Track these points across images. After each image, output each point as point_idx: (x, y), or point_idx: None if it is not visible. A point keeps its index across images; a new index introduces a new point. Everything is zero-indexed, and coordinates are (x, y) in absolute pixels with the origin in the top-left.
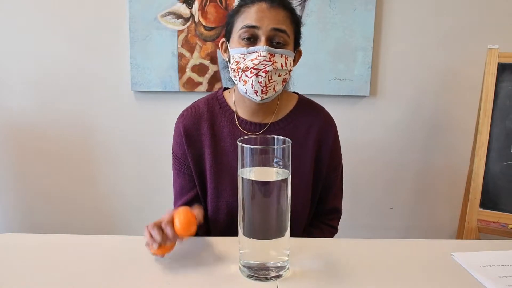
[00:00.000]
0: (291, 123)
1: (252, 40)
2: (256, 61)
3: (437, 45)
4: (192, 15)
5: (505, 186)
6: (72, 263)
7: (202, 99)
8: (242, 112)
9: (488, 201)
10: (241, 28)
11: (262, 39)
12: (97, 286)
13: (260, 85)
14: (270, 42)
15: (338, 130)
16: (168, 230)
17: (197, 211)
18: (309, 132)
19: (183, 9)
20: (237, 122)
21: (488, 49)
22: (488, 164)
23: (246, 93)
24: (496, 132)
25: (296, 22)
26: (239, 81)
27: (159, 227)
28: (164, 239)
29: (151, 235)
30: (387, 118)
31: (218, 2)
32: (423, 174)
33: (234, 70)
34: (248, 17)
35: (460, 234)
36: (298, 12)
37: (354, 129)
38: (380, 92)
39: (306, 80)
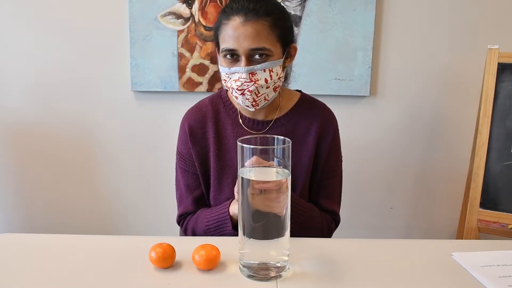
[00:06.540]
0: (292, 119)
1: (235, 57)
2: (238, 83)
3: (437, 45)
4: (192, 15)
5: (505, 186)
6: (72, 263)
7: (206, 98)
8: (245, 110)
9: (488, 201)
10: (222, 51)
11: (242, 58)
12: (97, 286)
13: (249, 101)
14: (251, 59)
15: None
16: None
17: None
18: (309, 128)
19: (183, 9)
20: (240, 120)
21: (488, 49)
22: (488, 164)
23: (240, 105)
24: (496, 132)
25: (280, 26)
26: (232, 95)
27: None
28: None
29: None
30: (387, 118)
31: (218, 2)
32: (423, 174)
33: (226, 86)
34: (226, 38)
35: (460, 234)
36: (297, 12)
37: (354, 129)
38: (380, 92)
39: (306, 80)
